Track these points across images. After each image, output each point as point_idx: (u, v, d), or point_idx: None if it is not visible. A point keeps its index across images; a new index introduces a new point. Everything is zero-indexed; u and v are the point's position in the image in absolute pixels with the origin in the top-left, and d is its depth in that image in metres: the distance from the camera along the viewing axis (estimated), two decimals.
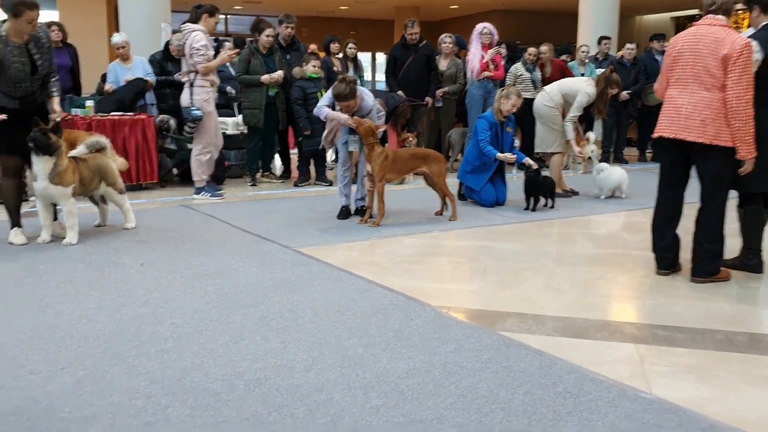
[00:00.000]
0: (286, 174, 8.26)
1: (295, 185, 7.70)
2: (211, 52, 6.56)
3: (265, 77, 7.34)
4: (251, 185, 7.66)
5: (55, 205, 4.95)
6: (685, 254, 4.16)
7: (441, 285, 4.01)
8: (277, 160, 8.66)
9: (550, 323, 3.35)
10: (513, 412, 2.41)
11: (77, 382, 2.64)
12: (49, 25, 7.30)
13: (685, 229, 4.15)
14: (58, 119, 4.76)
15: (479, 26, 8.43)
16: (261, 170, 7.97)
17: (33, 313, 3.42)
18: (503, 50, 9.15)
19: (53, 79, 4.85)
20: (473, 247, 4.95)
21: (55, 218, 5.05)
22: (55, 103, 4.83)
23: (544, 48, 9.09)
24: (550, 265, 4.42)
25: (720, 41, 3.77)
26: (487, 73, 8.37)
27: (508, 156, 6.28)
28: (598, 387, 2.62)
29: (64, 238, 4.83)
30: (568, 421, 2.36)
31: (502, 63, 8.76)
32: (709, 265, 3.99)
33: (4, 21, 4.51)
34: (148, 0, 9.55)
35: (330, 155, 8.83)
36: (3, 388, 2.58)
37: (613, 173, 6.94)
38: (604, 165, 7.11)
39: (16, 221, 4.86)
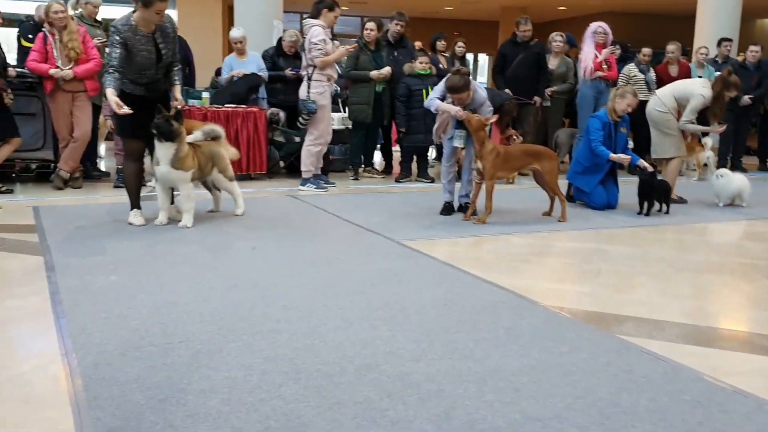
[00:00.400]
0: (387, 169, 8.27)
1: (397, 181, 7.70)
2: (329, 47, 6.64)
3: (374, 73, 7.38)
4: (353, 179, 7.72)
5: (172, 189, 5.13)
6: None
7: (551, 285, 3.88)
8: (378, 156, 8.70)
9: (671, 329, 3.17)
10: (637, 417, 2.28)
11: (194, 355, 2.70)
12: None
13: None
14: (179, 107, 4.93)
15: (593, 25, 8.18)
16: (363, 165, 8.02)
17: (152, 290, 3.54)
18: (618, 50, 8.84)
19: (176, 68, 5.03)
20: (584, 249, 4.78)
21: (172, 202, 5.24)
22: (177, 92, 5.01)
23: (671, 47, 8.72)
24: (667, 271, 4.21)
25: None
26: (600, 73, 8.10)
27: (621, 157, 6.04)
28: (729, 398, 2.44)
29: (180, 221, 5.00)
30: (705, 426, 2.21)
31: (615, 63, 8.46)
32: None
33: (134, 11, 4.71)
34: (261, 1, 9.79)
35: (432, 153, 8.79)
36: (126, 356, 2.67)
37: (734, 180, 6.56)
38: (724, 170, 6.73)
39: (135, 203, 5.07)
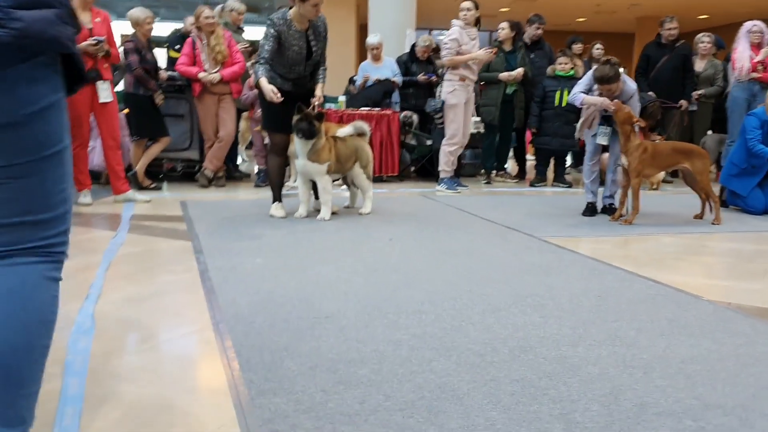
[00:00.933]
0: (521, 174, 8.07)
1: (531, 185, 7.48)
2: (467, 46, 6.55)
3: (503, 75, 7.25)
4: (486, 183, 7.57)
5: (314, 185, 5.17)
6: None
7: (713, 281, 3.58)
8: (512, 159, 8.52)
9: None
10: None
11: (341, 329, 2.66)
12: None
13: None
14: (317, 103, 4.99)
15: (748, 24, 7.62)
16: (496, 169, 7.86)
17: (295, 271, 3.56)
18: None
19: (322, 67, 5.11)
20: (745, 249, 4.39)
21: (316, 197, 5.29)
22: (319, 89, 5.08)
23: None
24: None
25: None
26: (755, 74, 7.53)
27: None
28: None
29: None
30: None
31: None
32: None
33: (290, 7, 4.83)
34: (395, 8, 9.90)
35: (569, 159, 8.49)
36: (275, 327, 2.67)
37: None
38: None
39: (277, 196, 5.18)
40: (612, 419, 1.94)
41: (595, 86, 5.23)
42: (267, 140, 6.02)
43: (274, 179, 5.20)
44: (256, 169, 7.40)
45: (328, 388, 2.12)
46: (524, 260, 3.93)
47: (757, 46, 7.63)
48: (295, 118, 4.78)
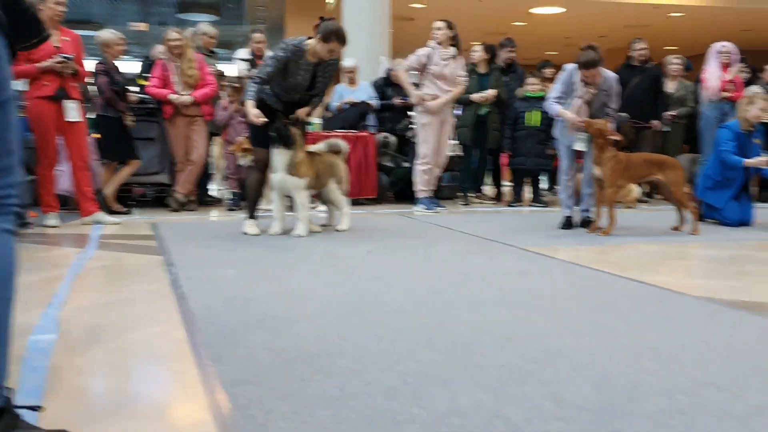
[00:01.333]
0: (498, 196, 8.05)
1: (509, 205, 7.45)
2: (437, 67, 6.56)
3: (475, 95, 7.26)
4: (464, 204, 7.53)
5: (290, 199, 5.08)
6: None
7: (695, 281, 3.53)
8: (489, 180, 8.51)
9: None
10: None
11: (319, 327, 2.55)
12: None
13: None
14: (302, 113, 4.93)
15: (717, 45, 7.74)
16: (474, 191, 7.83)
17: (270, 279, 3.45)
18: (746, 71, 8.33)
19: (316, 98, 5.08)
20: (725, 254, 4.38)
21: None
22: (304, 110, 5.00)
23: None
24: None
25: None
26: (726, 93, 7.63)
27: (760, 160, 5.56)
28: None
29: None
30: None
31: (743, 85, 7.97)
32: None
33: (310, 37, 4.82)
34: (369, 35, 9.95)
35: (544, 180, 8.50)
36: (250, 326, 2.56)
37: None
38: None
39: (252, 213, 5.07)
40: (604, 398, 1.86)
41: (576, 84, 5.20)
42: (241, 161, 5.93)
43: (252, 195, 5.10)
44: (228, 194, 7.29)
45: (306, 377, 2.01)
46: (505, 266, 3.86)
47: (726, 66, 7.77)
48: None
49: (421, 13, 13.73)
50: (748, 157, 5.69)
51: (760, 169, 5.70)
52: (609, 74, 5.30)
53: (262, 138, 4.88)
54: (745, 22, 14.62)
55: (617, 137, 5.16)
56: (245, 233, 5.00)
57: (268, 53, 4.83)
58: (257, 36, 7.51)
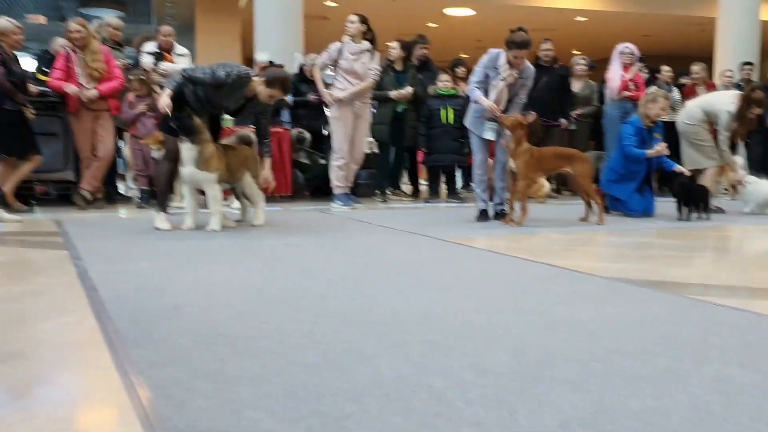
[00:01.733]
0: (415, 193, 8.15)
1: (426, 202, 7.55)
2: (346, 61, 6.58)
3: (393, 93, 7.34)
4: (381, 202, 7.57)
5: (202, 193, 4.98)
6: None
7: (604, 264, 3.68)
8: (406, 178, 8.60)
9: (742, 292, 2.96)
10: (728, 350, 2.06)
11: (239, 313, 2.51)
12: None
13: None
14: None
15: (620, 46, 8.10)
16: (391, 188, 7.90)
17: (187, 271, 3.37)
18: (645, 70, 8.72)
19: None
20: (630, 241, 4.58)
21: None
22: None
23: (696, 68, 8.65)
24: (728, 255, 4.02)
25: None
26: (627, 93, 7.99)
27: (659, 149, 5.81)
28: None
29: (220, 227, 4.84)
30: None
31: (644, 84, 8.36)
32: None
33: (259, 78, 4.86)
34: (282, 33, 9.88)
35: (459, 177, 8.66)
36: (166, 313, 2.48)
37: (763, 186, 6.37)
38: (751, 177, 6.53)
39: (163, 206, 4.93)
40: (521, 366, 1.91)
41: (501, 66, 5.29)
42: (155, 154, 5.76)
43: (162, 187, 4.96)
44: (137, 191, 7.07)
45: (226, 358, 1.97)
46: (424, 254, 3.91)
47: (628, 67, 8.13)
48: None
49: (334, 11, 13.75)
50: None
51: (662, 162, 5.98)
52: (529, 64, 5.44)
53: (172, 125, 4.76)
54: (646, 27, 15.37)
55: (531, 119, 5.30)
56: (156, 228, 4.86)
57: (207, 67, 4.74)
58: (165, 29, 7.32)
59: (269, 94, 4.83)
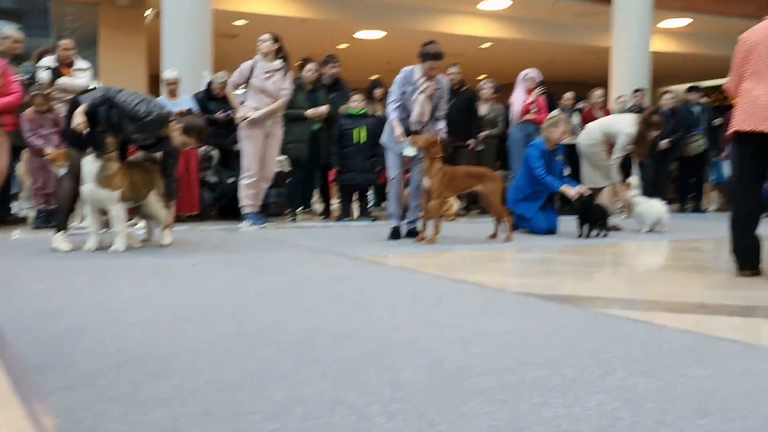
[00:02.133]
0: (326, 212, 8.14)
1: (337, 220, 7.56)
2: (257, 79, 6.54)
3: (309, 111, 7.35)
4: (292, 221, 7.52)
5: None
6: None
7: (512, 279, 3.79)
8: (317, 197, 8.59)
9: (642, 305, 3.11)
10: (631, 359, 2.16)
11: (149, 333, 2.43)
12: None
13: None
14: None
15: (523, 72, 8.44)
16: (302, 207, 7.86)
17: (91, 291, 3.24)
18: (543, 93, 9.04)
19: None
20: (537, 257, 4.74)
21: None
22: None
23: (598, 92, 9.08)
24: (625, 270, 4.21)
25: None
26: (529, 116, 8.30)
27: (577, 190, 6.02)
28: (718, 344, 2.37)
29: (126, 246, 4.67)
30: (701, 364, 2.11)
31: (546, 108, 8.69)
32: None
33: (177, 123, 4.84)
34: (190, 50, 9.68)
35: (371, 195, 8.72)
36: (68, 334, 2.37)
37: (653, 206, 6.73)
38: (642, 199, 6.89)
39: (63, 224, 4.72)
40: (438, 380, 1.93)
41: (418, 80, 5.34)
42: (58, 170, 5.51)
43: (63, 205, 4.75)
44: (33, 212, 6.73)
45: (138, 380, 1.90)
46: (337, 273, 3.91)
47: (531, 91, 8.46)
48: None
49: (244, 30, 13.63)
50: (553, 172, 6.20)
51: (564, 183, 6.23)
52: (443, 76, 5.56)
53: (79, 140, 4.59)
54: (546, 55, 16.02)
55: (439, 136, 5.40)
56: (55, 249, 4.64)
57: (132, 95, 4.61)
58: (65, 43, 7.05)
59: (183, 141, 4.83)
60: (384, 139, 5.68)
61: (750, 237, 3.89)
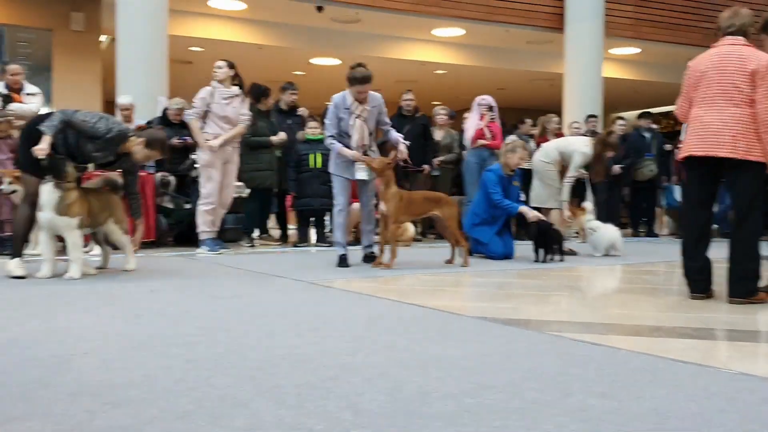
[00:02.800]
0: (283, 237, 8.11)
1: (294, 246, 7.53)
2: (217, 106, 6.52)
3: (274, 138, 7.35)
4: (249, 246, 7.46)
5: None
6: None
7: (470, 304, 3.83)
8: (274, 223, 8.55)
9: (597, 328, 3.17)
10: (589, 381, 2.20)
11: (103, 362, 2.39)
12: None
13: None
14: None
15: (479, 98, 8.55)
16: (259, 232, 7.81)
17: (44, 319, 3.16)
18: (497, 118, 9.14)
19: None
20: (493, 282, 4.78)
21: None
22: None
23: (556, 119, 9.28)
24: (581, 294, 4.28)
25: (746, 58, 3.79)
26: (483, 141, 8.40)
27: (534, 214, 6.14)
28: (673, 366, 2.42)
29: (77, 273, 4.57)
30: (657, 385, 2.15)
31: (501, 133, 8.82)
32: (747, 285, 3.84)
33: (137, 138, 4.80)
34: (145, 77, 9.59)
35: (328, 222, 8.71)
36: (20, 366, 2.32)
37: (607, 231, 6.87)
38: (596, 223, 7.02)
39: (18, 251, 4.61)
40: (398, 405, 1.94)
41: (351, 105, 5.36)
42: (5, 188, 5.39)
43: (19, 231, 4.65)
44: None
45: (93, 408, 1.86)
46: (294, 298, 3.89)
47: (484, 116, 8.58)
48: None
49: (199, 56, 13.57)
50: (510, 197, 6.29)
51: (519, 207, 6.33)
52: (374, 93, 5.58)
53: (35, 163, 4.50)
54: (499, 81, 16.30)
55: (404, 156, 5.44)
56: (10, 276, 4.53)
57: (90, 115, 4.56)
58: (12, 68, 6.95)
59: (147, 155, 4.84)
60: (331, 167, 5.63)
61: (701, 260, 3.99)
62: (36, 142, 4.40)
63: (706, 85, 3.90)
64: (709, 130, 3.84)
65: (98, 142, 4.56)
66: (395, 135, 5.63)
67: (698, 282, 4.00)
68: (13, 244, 4.70)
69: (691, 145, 3.94)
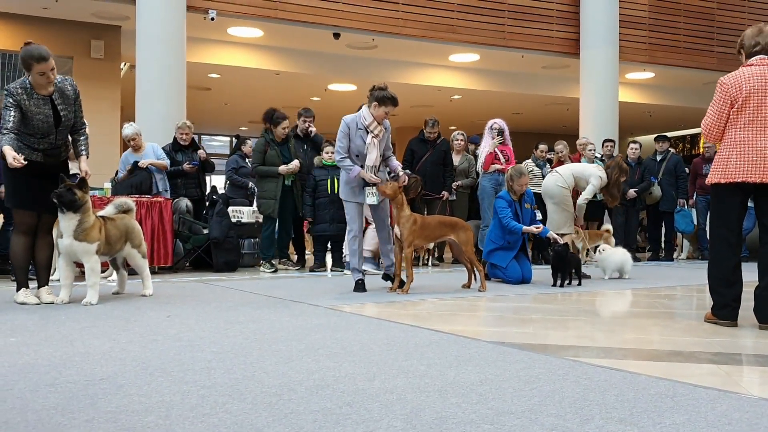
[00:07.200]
0: (301, 262, 8.11)
1: (311, 271, 7.53)
2: None
3: (282, 168, 7.40)
4: (272, 271, 7.45)
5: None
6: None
7: (488, 329, 3.79)
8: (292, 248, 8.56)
9: (616, 353, 3.13)
10: (608, 407, 2.17)
11: (120, 387, 2.39)
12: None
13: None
14: (84, 176, 4.65)
15: (490, 121, 8.56)
16: (278, 258, 7.82)
17: (62, 345, 3.17)
18: (507, 141, 9.09)
19: (82, 137, 4.81)
20: (511, 306, 4.75)
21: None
22: (83, 163, 4.74)
23: (559, 146, 9.25)
24: (600, 318, 4.23)
25: None
26: (496, 166, 8.39)
27: (532, 229, 6.19)
28: (693, 391, 2.39)
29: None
30: (677, 411, 2.12)
31: (513, 157, 8.81)
32: None
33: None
34: (164, 103, 9.71)
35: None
36: (39, 391, 2.33)
37: (615, 254, 6.84)
38: (605, 246, 6.99)
39: (23, 281, 4.64)
40: (416, 430, 1.92)
41: (368, 125, 5.33)
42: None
43: (19, 263, 4.67)
44: None
45: None
46: (312, 322, 3.88)
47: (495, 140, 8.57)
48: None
49: (216, 83, 13.74)
50: (523, 221, 6.28)
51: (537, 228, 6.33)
52: (388, 124, 5.57)
53: (24, 198, 4.54)
54: (515, 105, 16.34)
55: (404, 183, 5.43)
56: (22, 303, 4.56)
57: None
58: None
59: (37, 72, 4.44)
60: (342, 194, 5.58)
61: (740, 287, 3.86)
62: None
63: (756, 107, 3.75)
64: (765, 156, 3.70)
65: (31, 111, 4.46)
66: (395, 163, 5.63)
67: (735, 309, 3.88)
68: (16, 276, 4.73)
69: (741, 170, 3.75)
